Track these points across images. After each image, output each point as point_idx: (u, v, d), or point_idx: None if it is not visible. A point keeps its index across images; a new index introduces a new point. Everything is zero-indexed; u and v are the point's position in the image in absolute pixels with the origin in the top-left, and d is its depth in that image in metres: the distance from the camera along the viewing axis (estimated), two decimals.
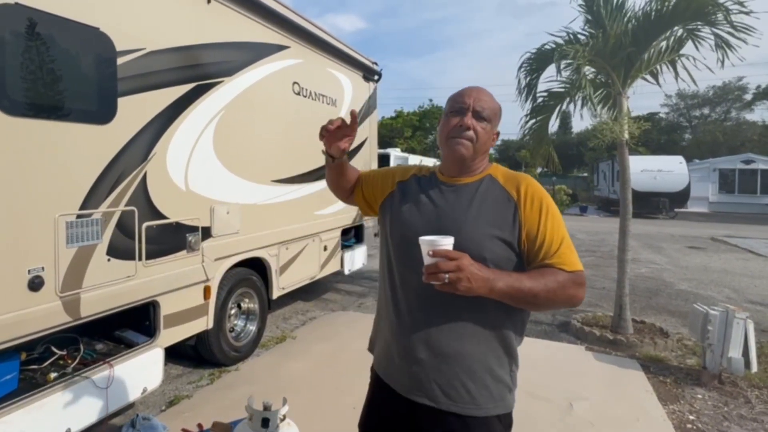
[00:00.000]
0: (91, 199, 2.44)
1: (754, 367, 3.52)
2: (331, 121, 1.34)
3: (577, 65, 4.28)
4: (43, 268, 2.21)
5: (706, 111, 32.89)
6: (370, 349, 1.52)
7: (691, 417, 3.19)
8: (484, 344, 1.25)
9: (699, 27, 4.21)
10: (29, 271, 2.15)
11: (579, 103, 4.59)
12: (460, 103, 1.31)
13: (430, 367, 1.25)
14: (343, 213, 5.42)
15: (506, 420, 1.30)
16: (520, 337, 1.33)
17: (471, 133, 1.28)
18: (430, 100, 35.09)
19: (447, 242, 1.13)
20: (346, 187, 1.57)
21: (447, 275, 1.07)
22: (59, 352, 2.61)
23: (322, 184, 4.92)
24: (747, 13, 3.89)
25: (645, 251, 10.41)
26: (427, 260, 1.12)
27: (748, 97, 30.43)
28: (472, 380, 1.24)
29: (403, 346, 1.30)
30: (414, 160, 21.97)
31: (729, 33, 4.01)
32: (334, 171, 1.51)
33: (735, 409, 3.30)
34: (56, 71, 2.27)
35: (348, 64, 5.44)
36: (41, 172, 2.21)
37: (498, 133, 1.38)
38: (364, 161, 5.96)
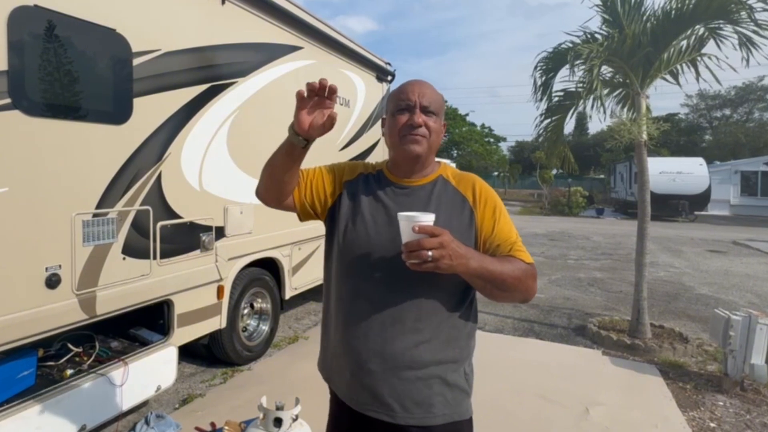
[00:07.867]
0: (106, 199, 2.47)
1: None
2: (310, 84, 1.10)
3: (591, 66, 4.20)
4: (60, 266, 2.24)
5: (727, 112, 32.13)
6: (320, 367, 1.42)
7: (712, 424, 3.10)
8: (439, 351, 1.21)
9: (721, 26, 4.11)
10: (47, 268, 2.19)
11: (590, 103, 4.51)
12: (406, 101, 1.25)
13: (383, 379, 1.20)
14: None
15: (465, 428, 1.26)
16: (472, 340, 1.30)
17: (424, 129, 1.24)
18: (445, 101, 35.25)
19: (428, 219, 1.06)
20: (290, 187, 1.29)
21: (431, 252, 1.01)
22: (75, 350, 2.65)
23: None
24: None
25: (663, 255, 10.19)
26: (407, 237, 1.04)
27: None
28: (427, 387, 1.20)
29: (355, 360, 1.23)
30: None
31: (754, 31, 3.91)
32: (289, 160, 1.21)
33: (758, 417, 3.20)
34: (73, 72, 2.31)
35: (361, 65, 5.43)
36: (58, 172, 2.25)
37: (446, 125, 1.34)
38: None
